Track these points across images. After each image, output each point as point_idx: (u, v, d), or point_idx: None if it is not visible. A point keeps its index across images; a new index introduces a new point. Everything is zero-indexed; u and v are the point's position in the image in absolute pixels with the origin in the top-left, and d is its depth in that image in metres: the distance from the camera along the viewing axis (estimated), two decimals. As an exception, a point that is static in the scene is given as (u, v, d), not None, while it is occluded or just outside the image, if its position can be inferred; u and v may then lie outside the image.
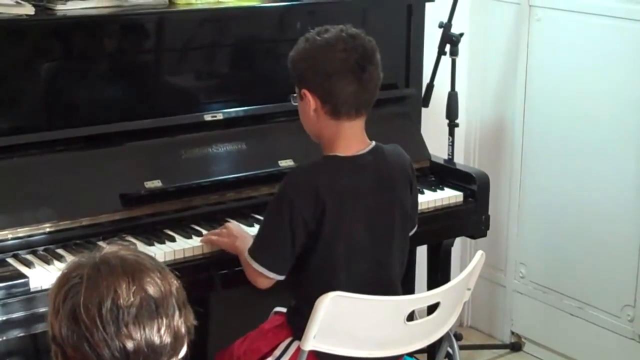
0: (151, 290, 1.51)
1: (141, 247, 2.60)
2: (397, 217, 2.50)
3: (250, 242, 2.52)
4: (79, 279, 1.51)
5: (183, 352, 1.58)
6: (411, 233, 2.63)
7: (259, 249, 2.47)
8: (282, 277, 2.46)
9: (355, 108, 2.42)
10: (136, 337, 1.48)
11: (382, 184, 2.48)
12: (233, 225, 2.70)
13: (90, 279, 1.50)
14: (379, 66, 2.45)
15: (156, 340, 1.50)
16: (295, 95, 2.51)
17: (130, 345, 1.48)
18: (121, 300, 1.48)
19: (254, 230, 2.70)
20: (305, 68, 2.43)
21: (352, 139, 2.46)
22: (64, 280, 1.53)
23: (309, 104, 2.43)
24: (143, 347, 1.49)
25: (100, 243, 2.62)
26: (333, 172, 2.44)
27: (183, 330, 1.55)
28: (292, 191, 2.41)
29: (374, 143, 2.50)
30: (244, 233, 2.64)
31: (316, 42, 2.42)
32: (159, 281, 1.53)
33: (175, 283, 1.57)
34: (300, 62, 2.45)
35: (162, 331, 1.51)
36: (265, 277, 2.45)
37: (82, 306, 1.48)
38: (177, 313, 1.54)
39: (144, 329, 1.49)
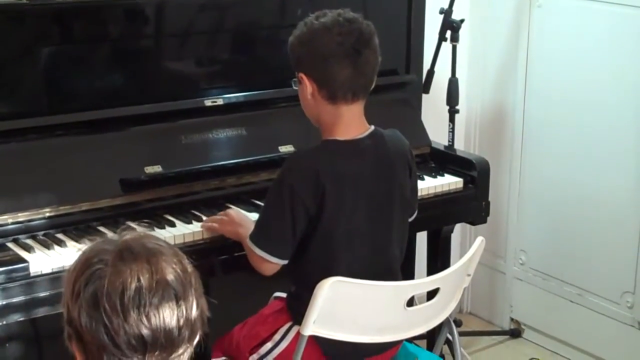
0: (171, 278, 1.50)
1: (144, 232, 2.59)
2: (396, 201, 2.50)
3: (252, 227, 2.52)
4: (103, 265, 1.49)
5: (196, 341, 1.57)
6: (411, 219, 2.63)
7: (260, 234, 2.47)
8: (285, 262, 2.46)
9: (351, 92, 2.42)
10: (155, 325, 1.47)
11: (381, 168, 2.48)
12: (234, 211, 2.70)
13: (114, 265, 1.49)
14: (377, 50, 2.45)
15: (175, 329, 1.49)
16: (295, 79, 2.51)
17: (148, 333, 1.47)
18: (143, 288, 1.47)
19: (255, 215, 2.70)
20: (303, 52, 2.44)
21: (350, 123, 2.46)
22: (86, 264, 1.51)
23: (306, 88, 2.44)
24: (161, 337, 1.48)
25: (101, 228, 2.64)
26: (332, 156, 2.44)
27: (199, 321, 1.55)
28: (292, 176, 2.41)
29: (372, 127, 2.50)
30: (246, 219, 2.64)
31: (313, 26, 2.43)
32: (179, 270, 1.52)
33: (193, 272, 1.56)
34: (298, 46, 2.45)
35: (181, 321, 1.50)
36: (269, 262, 2.46)
37: (104, 292, 1.46)
38: (194, 302, 1.53)
39: (164, 318, 1.48)
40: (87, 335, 1.49)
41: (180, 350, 1.52)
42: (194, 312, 1.53)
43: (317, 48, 2.41)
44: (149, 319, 1.47)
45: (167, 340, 1.49)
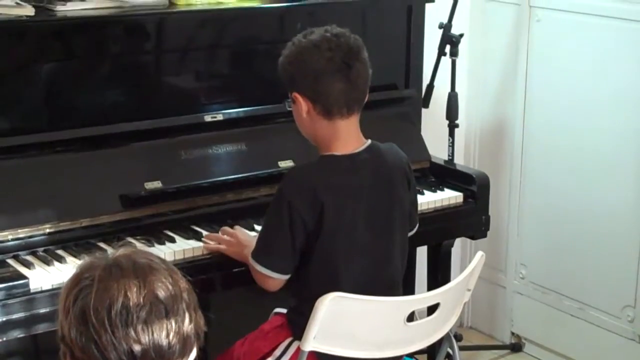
0: (161, 294, 1.51)
1: (141, 248, 2.59)
2: (396, 215, 2.50)
3: (256, 247, 2.53)
4: (90, 281, 1.50)
5: (192, 356, 1.57)
6: (412, 232, 2.63)
7: (261, 251, 2.48)
8: (287, 277, 2.47)
9: (346, 106, 2.43)
10: (144, 341, 1.48)
11: (380, 182, 2.49)
12: (240, 232, 2.70)
13: (101, 281, 1.49)
14: (367, 63, 2.46)
15: (164, 344, 1.49)
16: (289, 100, 2.52)
17: (137, 348, 1.47)
18: (131, 304, 1.47)
19: (255, 231, 2.70)
20: (294, 71, 2.45)
21: (347, 138, 2.47)
22: (76, 281, 1.53)
23: (301, 107, 2.44)
24: (150, 351, 1.48)
25: (101, 244, 2.64)
26: (330, 171, 2.44)
27: (192, 335, 1.55)
28: (290, 192, 2.41)
29: (369, 141, 2.51)
30: (251, 240, 2.63)
31: (301, 45, 2.44)
32: (169, 285, 1.53)
33: (186, 287, 1.56)
34: (288, 65, 2.47)
35: (171, 336, 1.50)
36: (272, 278, 2.46)
37: (91, 308, 1.47)
38: (187, 318, 1.53)
39: (153, 333, 1.48)
40: (78, 351, 1.49)
41: None
42: (186, 327, 1.53)
43: (308, 66, 2.42)
44: (137, 334, 1.47)
45: (157, 355, 1.49)
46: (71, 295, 1.51)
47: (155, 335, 1.48)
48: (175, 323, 1.51)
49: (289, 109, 2.55)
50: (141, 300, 1.48)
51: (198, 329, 1.57)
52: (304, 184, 2.42)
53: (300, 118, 2.48)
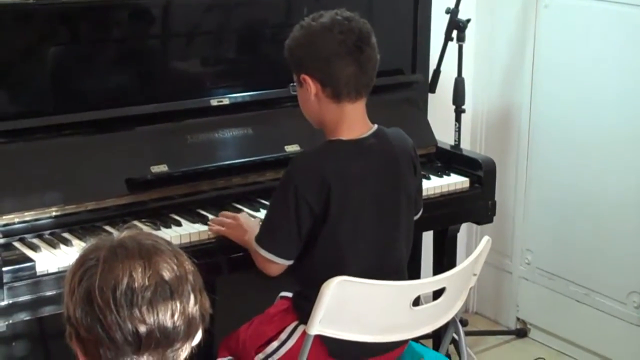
0: (166, 275, 1.52)
1: (147, 231, 2.60)
2: (402, 200, 2.50)
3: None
4: (95, 261, 1.51)
5: (198, 338, 1.58)
6: (416, 217, 2.63)
7: (265, 235, 2.48)
8: (290, 262, 2.47)
9: (355, 90, 2.43)
10: (149, 321, 1.48)
11: (386, 167, 2.49)
12: (243, 217, 2.70)
13: (106, 261, 1.50)
14: (376, 48, 2.46)
15: (169, 325, 1.50)
16: (293, 84, 2.51)
17: (142, 329, 1.48)
18: (136, 284, 1.48)
19: (261, 215, 2.70)
20: (304, 53, 2.44)
21: (354, 122, 2.46)
22: (81, 262, 1.54)
23: (309, 89, 2.44)
24: (155, 332, 1.49)
25: (107, 227, 2.64)
26: (337, 156, 2.44)
27: (197, 316, 1.55)
28: (296, 177, 2.41)
29: (376, 126, 2.51)
30: (254, 225, 2.63)
31: (312, 27, 2.44)
32: (174, 266, 1.53)
33: (191, 269, 1.57)
34: (298, 48, 2.46)
35: (176, 317, 1.51)
36: (274, 263, 2.47)
37: (96, 288, 1.48)
38: (192, 299, 1.54)
39: (157, 314, 1.49)
40: (84, 331, 1.50)
41: (178, 345, 1.53)
42: (191, 308, 1.54)
43: (319, 48, 2.41)
44: (142, 315, 1.48)
45: (162, 335, 1.50)
46: (76, 275, 1.52)
47: (160, 315, 1.49)
48: (180, 304, 1.52)
49: (293, 92, 2.54)
50: (146, 280, 1.49)
51: (203, 311, 1.57)
52: (311, 169, 2.42)
53: (307, 101, 2.47)
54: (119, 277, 1.49)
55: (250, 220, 2.71)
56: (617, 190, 3.50)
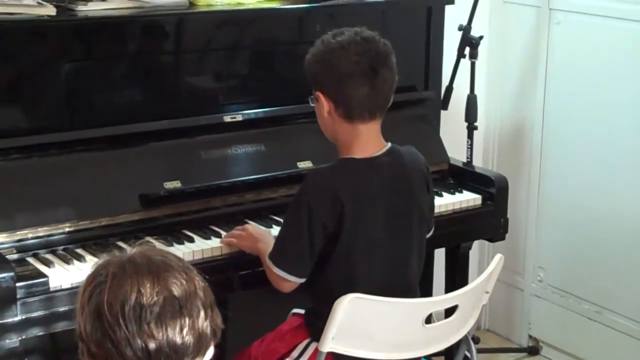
0: (175, 290, 1.52)
1: (160, 247, 2.60)
2: (414, 218, 2.50)
3: (271, 242, 2.53)
4: (104, 277, 1.52)
5: (209, 354, 1.58)
6: (428, 235, 2.63)
7: (279, 253, 2.48)
8: (303, 280, 2.47)
9: (368, 111, 2.43)
10: (158, 336, 1.49)
11: (399, 185, 2.48)
12: (251, 227, 2.71)
13: (115, 277, 1.51)
14: (394, 69, 2.45)
15: (178, 340, 1.50)
16: (312, 97, 2.51)
17: (152, 344, 1.48)
18: (144, 300, 1.49)
19: (273, 231, 2.70)
20: (319, 70, 2.45)
21: (368, 141, 2.46)
22: (91, 278, 1.55)
23: (323, 106, 2.45)
24: (165, 347, 1.49)
25: (120, 243, 2.65)
26: (350, 174, 2.44)
27: (208, 332, 1.55)
28: (309, 195, 2.41)
29: (389, 144, 2.51)
30: (264, 234, 2.64)
31: (330, 45, 2.44)
32: (184, 282, 1.54)
33: (202, 284, 1.57)
34: (314, 64, 2.46)
35: (185, 332, 1.51)
36: (287, 281, 2.47)
37: (105, 304, 1.49)
38: (202, 315, 1.54)
39: (166, 329, 1.49)
40: (94, 347, 1.51)
41: None
42: (201, 324, 1.54)
43: (333, 67, 2.41)
44: (151, 330, 1.48)
45: (171, 350, 1.50)
46: (87, 291, 1.53)
47: (169, 331, 1.49)
48: (190, 319, 1.52)
49: (312, 104, 2.54)
50: (154, 296, 1.50)
51: (215, 326, 1.57)
52: (324, 187, 2.42)
53: (322, 117, 2.48)
54: (127, 292, 1.49)
55: (260, 228, 2.72)
56: (630, 207, 3.49)
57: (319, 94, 2.44)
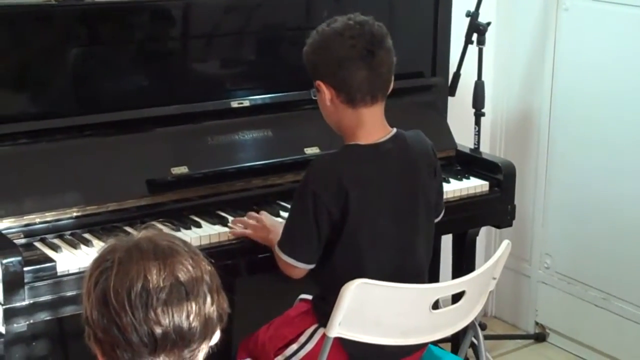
0: (182, 275, 1.52)
1: (165, 231, 2.60)
2: (421, 203, 2.50)
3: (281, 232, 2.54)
4: (111, 263, 1.52)
5: (216, 338, 1.58)
6: (438, 219, 2.63)
7: (286, 241, 2.49)
8: (312, 266, 2.48)
9: (370, 94, 2.43)
10: (164, 322, 1.49)
11: (405, 171, 2.48)
12: (266, 218, 2.70)
13: (121, 263, 1.51)
14: (391, 50, 2.46)
15: (184, 326, 1.50)
16: (314, 89, 2.52)
17: (158, 330, 1.48)
18: (151, 286, 1.49)
19: (281, 218, 2.71)
20: (317, 59, 2.46)
21: (372, 127, 2.46)
22: (97, 263, 1.55)
23: (324, 95, 2.45)
24: (171, 333, 1.49)
25: (127, 228, 2.65)
26: (355, 161, 2.44)
27: (215, 316, 1.55)
28: (314, 183, 2.41)
29: (395, 130, 2.51)
30: (277, 224, 2.64)
31: (325, 33, 2.45)
32: (190, 267, 1.53)
33: (208, 269, 1.57)
34: (312, 54, 2.48)
35: (192, 317, 1.51)
36: (296, 267, 2.47)
37: (111, 290, 1.49)
38: (208, 299, 1.54)
39: (173, 315, 1.49)
40: (100, 333, 1.51)
41: (194, 346, 1.53)
42: (208, 309, 1.54)
43: (330, 53, 2.42)
44: (157, 316, 1.49)
45: (178, 336, 1.50)
46: (93, 277, 1.53)
47: (175, 317, 1.50)
48: (196, 305, 1.52)
49: (314, 97, 2.55)
50: (161, 282, 1.50)
51: (221, 311, 1.57)
52: (329, 174, 2.42)
53: (325, 107, 2.48)
54: (133, 278, 1.49)
55: (273, 219, 2.72)
56: (637, 194, 3.48)
57: (319, 83, 2.45)
